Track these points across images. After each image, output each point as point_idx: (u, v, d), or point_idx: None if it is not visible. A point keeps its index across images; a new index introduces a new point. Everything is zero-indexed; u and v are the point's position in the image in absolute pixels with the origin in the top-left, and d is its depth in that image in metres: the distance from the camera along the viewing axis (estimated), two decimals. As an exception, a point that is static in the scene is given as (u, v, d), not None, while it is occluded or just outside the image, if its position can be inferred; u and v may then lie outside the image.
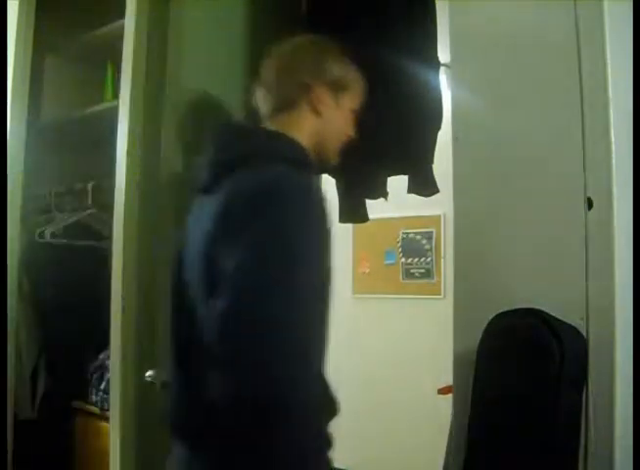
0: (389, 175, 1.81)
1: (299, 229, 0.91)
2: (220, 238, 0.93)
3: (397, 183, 1.86)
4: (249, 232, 0.90)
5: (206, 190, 1.03)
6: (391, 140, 1.66)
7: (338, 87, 1.14)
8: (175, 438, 1.03)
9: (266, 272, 0.87)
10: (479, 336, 1.14)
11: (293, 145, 1.06)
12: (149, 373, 1.33)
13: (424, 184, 1.73)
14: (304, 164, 1.05)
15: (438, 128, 1.67)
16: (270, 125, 1.12)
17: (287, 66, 1.13)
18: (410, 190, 1.76)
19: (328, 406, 0.98)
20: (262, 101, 1.15)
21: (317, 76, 1.12)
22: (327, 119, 1.13)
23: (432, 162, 1.71)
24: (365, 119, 1.20)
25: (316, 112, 1.12)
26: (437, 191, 1.73)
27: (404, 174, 1.75)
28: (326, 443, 0.94)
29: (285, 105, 1.12)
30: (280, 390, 0.82)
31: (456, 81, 1.33)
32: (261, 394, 0.82)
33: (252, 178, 0.96)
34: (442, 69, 1.70)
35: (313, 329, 0.90)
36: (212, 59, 1.43)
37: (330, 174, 1.82)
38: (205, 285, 0.95)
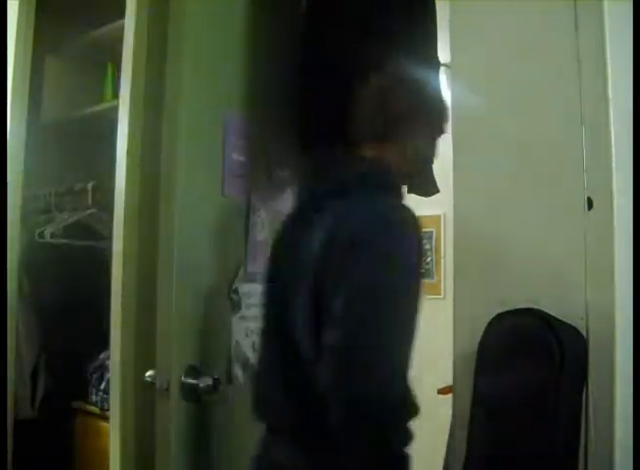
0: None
1: (404, 261, 0.99)
2: (328, 267, 1.00)
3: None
4: (359, 265, 0.97)
5: (304, 213, 1.13)
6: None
7: (429, 120, 1.21)
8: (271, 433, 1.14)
9: (376, 305, 0.96)
10: (479, 336, 1.14)
11: (389, 174, 1.15)
12: (149, 373, 1.33)
13: (424, 184, 1.73)
14: (398, 192, 1.16)
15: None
16: (365, 152, 1.18)
17: (384, 99, 1.19)
18: (410, 190, 1.76)
19: (412, 408, 1.04)
20: (358, 129, 1.22)
21: (413, 110, 1.19)
22: (416, 150, 1.21)
23: (432, 161, 1.70)
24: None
25: (409, 143, 1.19)
26: (437, 191, 1.73)
27: None
28: (409, 439, 1.00)
29: (380, 135, 1.18)
30: (387, 406, 0.93)
31: (456, 81, 1.33)
32: (371, 413, 0.93)
33: (360, 210, 1.04)
34: (442, 68, 1.70)
35: (411, 347, 0.98)
36: (212, 58, 1.43)
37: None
38: (307, 308, 1.02)
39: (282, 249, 1.17)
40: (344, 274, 0.97)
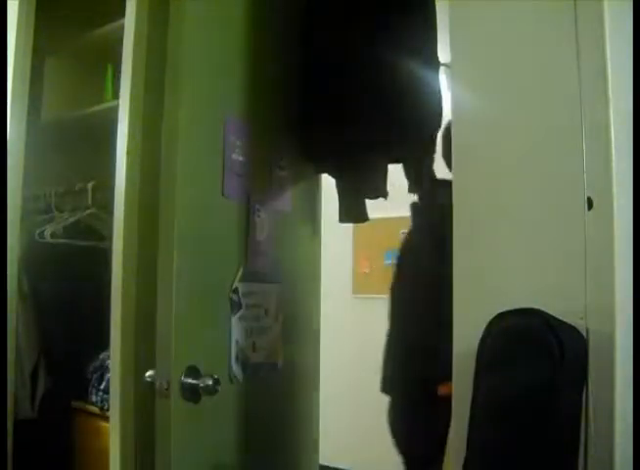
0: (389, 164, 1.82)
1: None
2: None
3: (397, 183, 1.86)
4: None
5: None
6: (391, 139, 1.65)
7: None
8: None
9: None
10: (479, 336, 1.14)
11: None
12: (149, 373, 1.33)
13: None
14: None
15: (439, 126, 1.67)
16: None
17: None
18: (410, 190, 1.76)
19: None
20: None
21: None
22: None
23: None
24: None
25: None
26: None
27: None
28: None
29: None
30: None
31: (456, 81, 1.33)
32: None
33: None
34: (442, 68, 1.70)
35: None
36: (213, 58, 1.43)
37: (330, 174, 1.82)
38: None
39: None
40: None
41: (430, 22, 1.67)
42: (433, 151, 1.70)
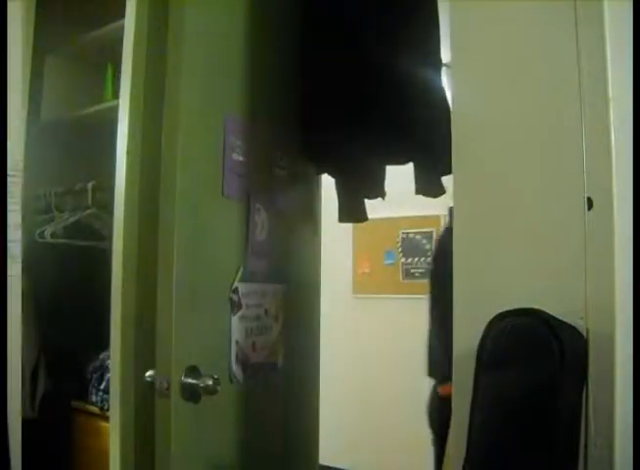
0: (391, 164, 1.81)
1: None
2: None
3: (397, 183, 1.86)
4: None
5: None
6: (391, 139, 1.65)
7: None
8: None
9: None
10: (479, 336, 1.14)
11: None
12: (149, 373, 1.33)
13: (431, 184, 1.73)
14: None
15: (444, 124, 1.66)
16: None
17: None
18: (418, 191, 1.75)
19: None
20: None
21: None
22: None
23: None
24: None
25: None
26: (444, 192, 1.73)
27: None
28: None
29: None
30: None
31: (456, 81, 1.33)
32: None
33: None
34: (443, 68, 1.70)
35: None
36: (213, 58, 1.43)
37: (329, 174, 1.82)
38: None
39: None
40: None
41: (432, 20, 1.67)
42: (441, 151, 1.68)
